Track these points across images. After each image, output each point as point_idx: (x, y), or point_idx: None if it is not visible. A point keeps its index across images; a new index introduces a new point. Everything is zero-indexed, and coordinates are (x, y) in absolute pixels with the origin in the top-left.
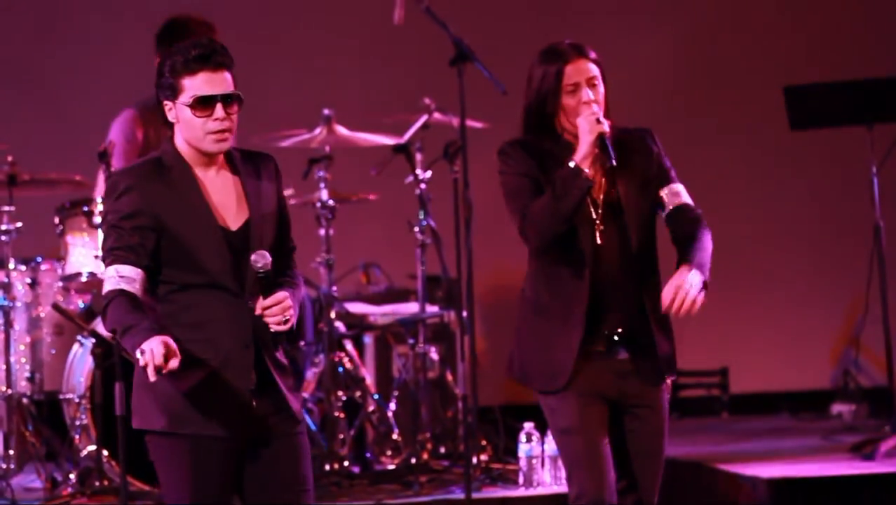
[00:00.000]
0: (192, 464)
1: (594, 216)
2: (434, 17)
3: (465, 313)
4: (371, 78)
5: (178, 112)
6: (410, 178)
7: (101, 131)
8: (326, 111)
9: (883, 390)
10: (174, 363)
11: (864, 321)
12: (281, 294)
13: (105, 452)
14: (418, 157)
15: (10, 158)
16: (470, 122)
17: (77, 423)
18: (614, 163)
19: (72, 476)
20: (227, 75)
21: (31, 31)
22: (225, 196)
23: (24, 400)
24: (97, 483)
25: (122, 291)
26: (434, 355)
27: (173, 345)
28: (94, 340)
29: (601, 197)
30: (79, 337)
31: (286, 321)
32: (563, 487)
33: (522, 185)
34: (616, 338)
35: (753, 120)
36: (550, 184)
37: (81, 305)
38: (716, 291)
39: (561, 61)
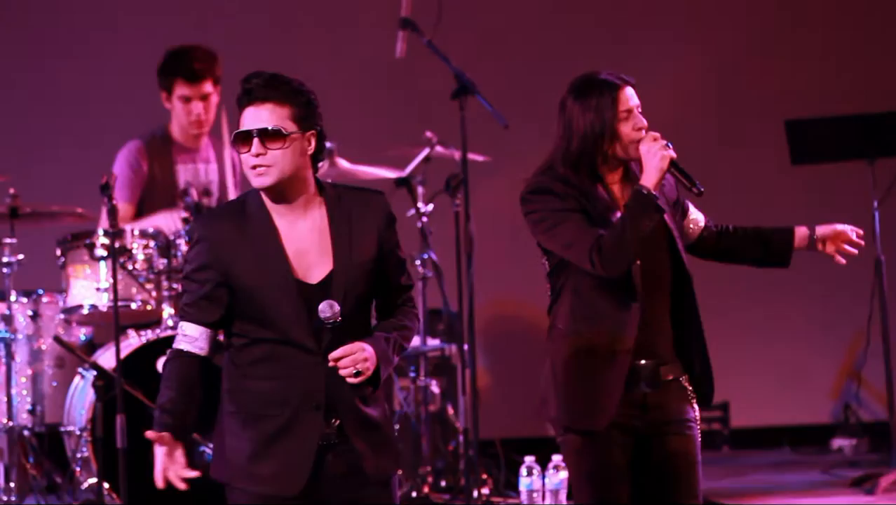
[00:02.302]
0: None
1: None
2: (436, 51)
3: (466, 347)
4: (373, 111)
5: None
6: (412, 212)
7: (104, 164)
8: (328, 144)
9: (884, 425)
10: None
11: (865, 356)
12: (353, 346)
13: (106, 485)
14: (420, 190)
15: (11, 191)
16: (471, 156)
17: (78, 455)
18: (700, 188)
19: None
20: (275, 107)
21: (33, 63)
22: (309, 245)
23: (26, 432)
24: None
25: (178, 354)
26: (435, 389)
27: (174, 455)
28: (95, 373)
29: None
30: (80, 369)
31: (359, 374)
32: None
33: (573, 217)
34: (637, 372)
35: (753, 153)
36: (608, 222)
37: (83, 337)
38: (716, 325)
39: (612, 89)
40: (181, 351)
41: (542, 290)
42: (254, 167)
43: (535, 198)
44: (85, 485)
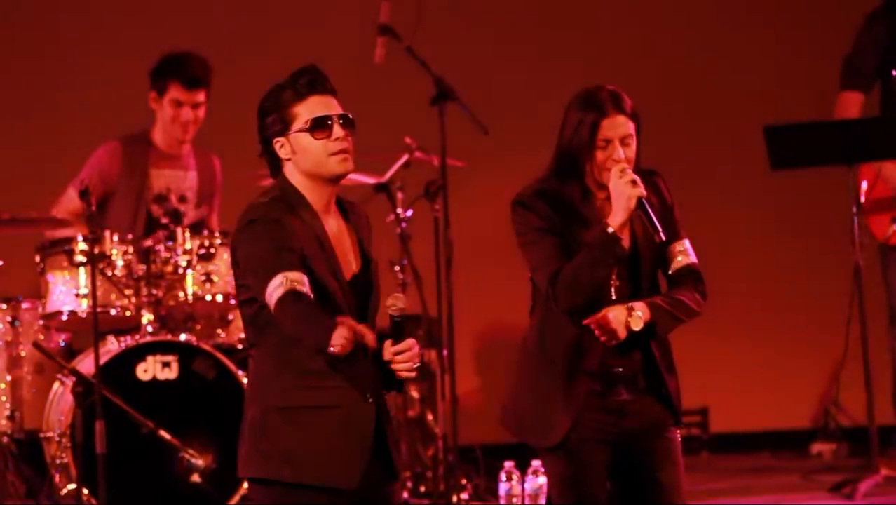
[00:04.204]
0: None
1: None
2: (415, 57)
3: (445, 352)
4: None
5: (294, 143)
6: (391, 217)
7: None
8: None
9: (863, 430)
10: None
11: (845, 361)
12: (411, 340)
13: (85, 491)
14: (399, 196)
15: None
16: (451, 161)
17: (57, 461)
18: (662, 236)
19: None
20: (335, 101)
21: (10, 68)
22: (341, 243)
23: (4, 439)
24: None
25: (298, 293)
26: (414, 394)
27: (358, 326)
28: (74, 379)
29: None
30: (59, 375)
31: (414, 368)
32: None
33: (546, 241)
34: (615, 378)
35: (732, 159)
36: (581, 245)
37: (62, 343)
38: (696, 331)
39: (598, 113)
40: (299, 292)
41: (522, 295)
42: (337, 153)
43: (519, 210)
44: (64, 491)
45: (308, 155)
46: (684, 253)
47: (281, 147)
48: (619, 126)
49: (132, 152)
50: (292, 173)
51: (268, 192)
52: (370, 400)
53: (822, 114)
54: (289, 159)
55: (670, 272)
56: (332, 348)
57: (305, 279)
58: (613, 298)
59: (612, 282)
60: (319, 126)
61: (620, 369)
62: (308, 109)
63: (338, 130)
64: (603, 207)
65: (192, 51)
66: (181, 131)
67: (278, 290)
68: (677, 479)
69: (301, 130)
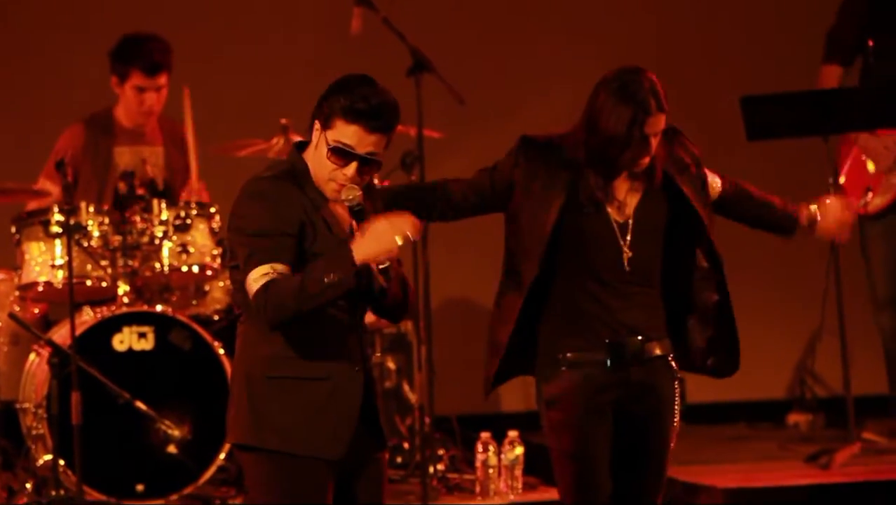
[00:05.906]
0: (305, 487)
1: (621, 241)
2: (391, 27)
3: (421, 323)
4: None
5: (320, 141)
6: None
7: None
8: (283, 121)
9: (839, 401)
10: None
11: (821, 332)
12: (373, 220)
13: (61, 462)
14: None
15: None
16: (427, 132)
17: (33, 432)
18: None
19: (28, 486)
20: (381, 140)
21: None
22: (343, 222)
23: None
24: (53, 493)
25: (274, 279)
26: (391, 365)
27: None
28: (50, 350)
29: (631, 219)
30: (35, 346)
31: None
32: (519, 497)
33: (479, 177)
34: (629, 344)
35: (708, 131)
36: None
37: (38, 314)
38: None
39: (643, 113)
40: (276, 279)
41: (498, 266)
42: (340, 185)
43: (515, 146)
44: (40, 462)
45: (318, 162)
46: (713, 186)
47: (315, 131)
48: (658, 124)
49: (95, 132)
50: (310, 156)
51: (277, 165)
52: (358, 371)
53: (801, 85)
54: (312, 146)
55: (714, 199)
56: (407, 238)
57: (289, 272)
58: (627, 268)
59: (624, 253)
60: (339, 155)
61: (639, 337)
62: (345, 133)
63: (350, 170)
64: (618, 192)
65: (150, 33)
66: (145, 115)
67: (261, 280)
68: (663, 461)
69: (326, 142)
